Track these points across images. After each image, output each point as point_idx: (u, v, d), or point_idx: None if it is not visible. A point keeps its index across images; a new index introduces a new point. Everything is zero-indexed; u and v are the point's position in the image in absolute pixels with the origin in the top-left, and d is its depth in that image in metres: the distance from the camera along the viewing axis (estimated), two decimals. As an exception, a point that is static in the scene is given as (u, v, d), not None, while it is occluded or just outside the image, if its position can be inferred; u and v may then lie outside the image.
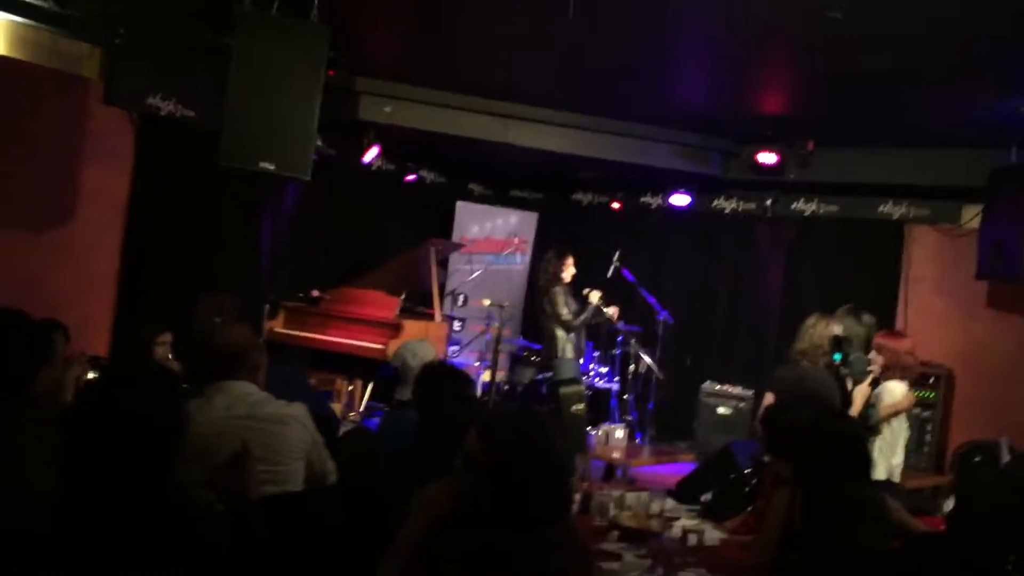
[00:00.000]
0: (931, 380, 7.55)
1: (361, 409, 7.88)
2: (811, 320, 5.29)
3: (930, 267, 8.02)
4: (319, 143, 6.90)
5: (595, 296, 7.54)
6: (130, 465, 1.94)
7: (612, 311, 7.63)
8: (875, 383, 5.17)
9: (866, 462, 3.34)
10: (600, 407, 7.80)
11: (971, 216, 7.63)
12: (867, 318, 5.78)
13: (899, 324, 8.00)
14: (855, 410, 5.07)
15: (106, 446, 1.93)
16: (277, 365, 3.96)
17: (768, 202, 8.65)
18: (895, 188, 7.94)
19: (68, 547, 1.85)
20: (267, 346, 3.55)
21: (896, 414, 5.15)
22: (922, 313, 7.96)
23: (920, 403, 7.41)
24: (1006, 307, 7.50)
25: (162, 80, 6.79)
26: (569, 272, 7.62)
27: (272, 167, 5.33)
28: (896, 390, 5.16)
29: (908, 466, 7.20)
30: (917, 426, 7.42)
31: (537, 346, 8.89)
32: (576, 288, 7.69)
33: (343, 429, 4.96)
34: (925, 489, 6.60)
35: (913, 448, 7.46)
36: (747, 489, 4.92)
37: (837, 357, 5.11)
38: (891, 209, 8.19)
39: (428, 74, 7.33)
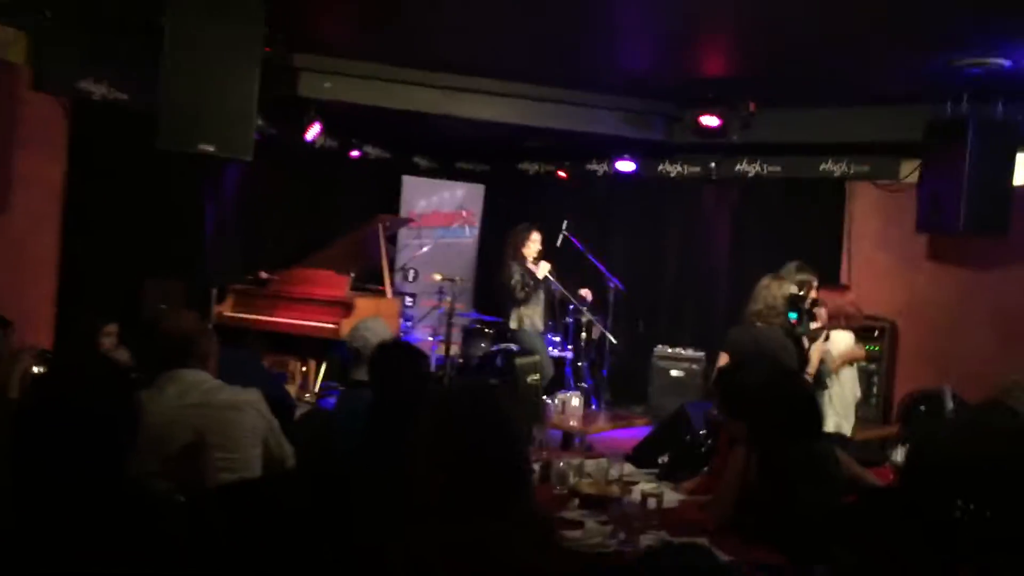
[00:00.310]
0: (876, 333, 7.72)
1: (316, 390, 7.83)
2: (764, 281, 5.37)
3: (872, 222, 8.18)
4: (259, 122, 6.78)
5: (544, 269, 7.57)
6: (83, 459, 1.92)
7: (585, 292, 7.69)
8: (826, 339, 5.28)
9: (818, 420, 3.41)
10: (555, 376, 7.84)
11: (909, 171, 7.78)
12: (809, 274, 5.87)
13: (843, 279, 8.15)
14: (812, 368, 5.17)
15: (57, 441, 1.92)
16: (230, 350, 3.91)
17: (712, 165, 8.73)
18: (835, 146, 8.05)
19: (24, 543, 1.83)
20: (217, 331, 3.51)
21: (849, 363, 5.26)
22: (865, 268, 8.13)
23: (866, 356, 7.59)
24: (946, 259, 7.69)
25: (93, 63, 6.61)
26: (533, 247, 7.62)
27: (212, 148, 5.24)
28: (842, 340, 5.27)
29: (857, 418, 7.39)
30: (864, 379, 7.58)
31: (491, 318, 8.90)
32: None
33: (299, 411, 4.93)
34: (873, 441, 6.76)
35: (862, 400, 7.64)
36: (703, 449, 4.99)
37: (793, 316, 5.19)
38: (832, 167, 8.31)
39: (368, 48, 7.23)
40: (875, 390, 7.69)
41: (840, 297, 5.49)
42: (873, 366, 7.68)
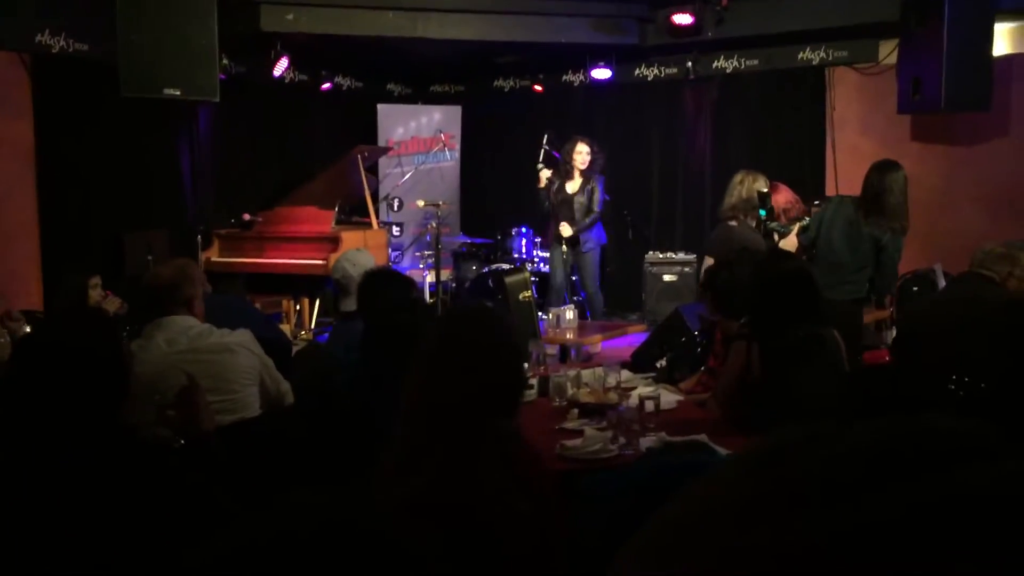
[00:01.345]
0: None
1: (311, 327, 7.85)
2: (738, 177, 5.37)
3: (854, 108, 8.09)
4: (224, 61, 6.66)
5: (543, 176, 7.51)
6: (77, 408, 1.91)
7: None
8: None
9: (815, 298, 3.37)
10: (549, 291, 7.86)
11: (888, 52, 7.67)
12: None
13: (828, 168, 8.12)
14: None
15: (50, 393, 1.91)
16: (219, 295, 3.90)
17: (689, 64, 8.59)
18: (812, 33, 7.91)
19: (21, 502, 1.83)
20: (207, 277, 3.50)
21: None
22: (850, 154, 8.07)
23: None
24: (931, 139, 7.63)
25: (49, 16, 6.43)
26: (580, 158, 7.41)
27: (178, 92, 5.15)
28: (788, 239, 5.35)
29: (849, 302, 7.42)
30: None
31: (479, 240, 8.87)
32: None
33: (296, 349, 4.94)
34: (868, 324, 6.80)
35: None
36: (699, 349, 5.04)
37: (762, 213, 5.21)
38: (810, 54, 8.19)
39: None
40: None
41: (778, 196, 5.54)
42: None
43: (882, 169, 4.96)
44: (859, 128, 8.05)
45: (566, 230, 7.37)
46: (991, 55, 6.68)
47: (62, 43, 6.52)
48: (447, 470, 1.89)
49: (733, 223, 5.27)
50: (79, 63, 6.61)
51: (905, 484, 0.38)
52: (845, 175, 8.00)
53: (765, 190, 5.25)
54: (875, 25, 7.42)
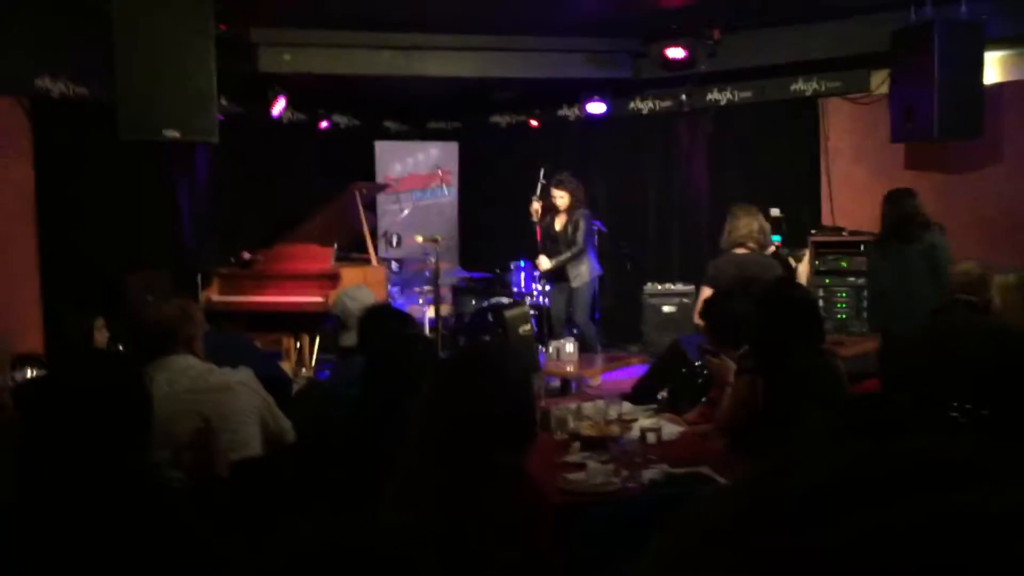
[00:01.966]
0: (861, 247, 7.73)
1: (312, 364, 7.84)
2: (735, 212, 5.40)
3: (847, 137, 8.15)
4: (223, 103, 6.72)
5: (535, 209, 7.62)
6: (101, 452, 1.87)
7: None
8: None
9: (819, 326, 3.38)
10: (548, 325, 7.87)
11: (880, 81, 7.75)
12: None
13: (823, 197, 8.16)
14: (803, 283, 5.28)
15: (76, 435, 1.85)
16: (219, 334, 3.91)
17: (683, 97, 8.67)
18: (804, 64, 7.99)
19: (43, 540, 1.80)
20: (207, 316, 3.50)
21: None
22: (845, 183, 8.12)
23: (855, 271, 7.62)
24: (924, 166, 7.68)
25: (48, 60, 6.50)
26: (560, 201, 7.51)
27: (177, 134, 5.18)
28: None
29: (849, 332, 7.45)
30: (854, 294, 7.63)
31: (478, 275, 8.89)
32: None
33: (297, 386, 4.94)
34: (870, 353, 6.81)
35: (853, 315, 7.69)
36: (699, 380, 5.03)
37: (777, 238, 5.27)
38: (803, 86, 8.27)
39: (324, 15, 7.13)
40: (866, 304, 7.72)
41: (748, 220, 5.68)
42: (862, 280, 7.71)
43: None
44: (853, 157, 8.11)
45: (544, 263, 7.46)
46: (982, 83, 6.75)
47: (62, 87, 6.58)
48: (446, 501, 1.89)
49: (742, 251, 5.30)
50: (79, 106, 6.67)
51: (888, 504, 0.39)
52: (841, 204, 8.05)
53: (778, 215, 5.34)
54: (866, 56, 7.50)
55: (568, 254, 7.44)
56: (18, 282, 6.55)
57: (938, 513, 0.38)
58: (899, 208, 5.41)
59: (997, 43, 6.96)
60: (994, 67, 7.20)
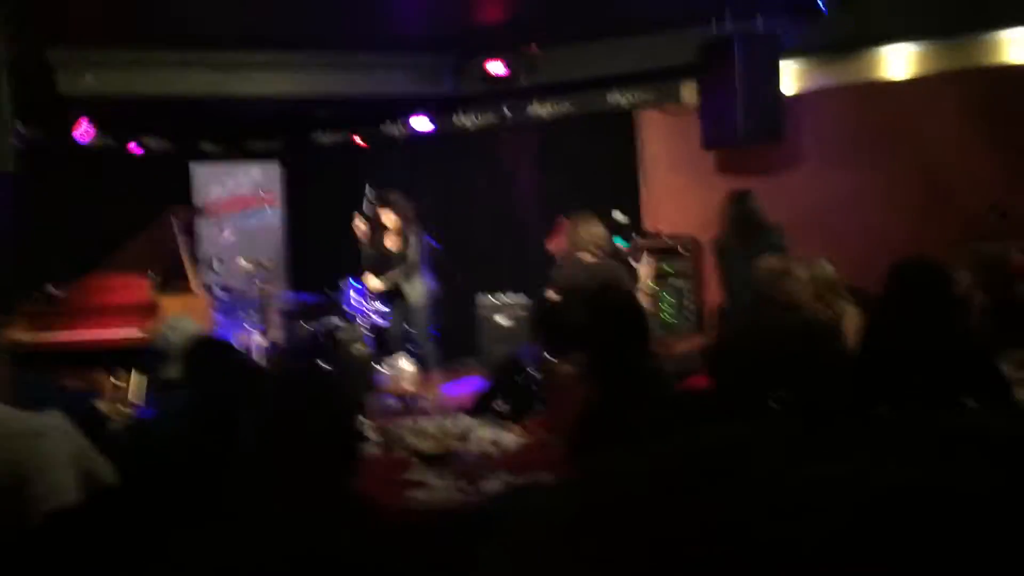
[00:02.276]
0: (680, 250, 8.09)
1: (134, 400, 7.41)
2: (573, 223, 5.53)
3: (663, 147, 8.51)
4: (20, 129, 6.26)
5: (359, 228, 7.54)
6: None
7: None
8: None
9: (646, 327, 3.47)
10: (384, 343, 7.78)
11: (690, 92, 8.13)
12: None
13: (643, 204, 8.47)
14: (643, 283, 5.46)
15: None
16: (23, 375, 3.63)
17: (506, 111, 8.81)
18: (619, 78, 8.28)
19: None
20: (13, 358, 3.25)
21: None
22: (663, 190, 8.47)
23: (676, 273, 7.97)
24: (734, 172, 8.11)
25: None
26: (389, 221, 7.47)
27: (-33, 162, 4.78)
28: None
29: (673, 331, 7.76)
30: (675, 294, 7.97)
31: (307, 298, 8.68)
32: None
33: (117, 424, 4.65)
34: (693, 352, 7.10)
35: (676, 314, 8.02)
36: (535, 388, 5.09)
37: (620, 240, 5.43)
38: (619, 98, 8.57)
39: (126, 33, 6.77)
40: (687, 303, 8.08)
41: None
42: (681, 281, 8.05)
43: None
44: (669, 165, 8.46)
45: (373, 282, 7.42)
46: (780, 92, 7.20)
47: None
48: (285, 532, 1.82)
49: (588, 258, 5.42)
50: None
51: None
52: (660, 210, 8.39)
53: (623, 220, 5.53)
54: (676, 68, 7.85)
55: (398, 273, 7.41)
56: None
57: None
58: (740, 209, 5.83)
59: (793, 53, 7.45)
60: (793, 78, 7.70)
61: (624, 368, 3.34)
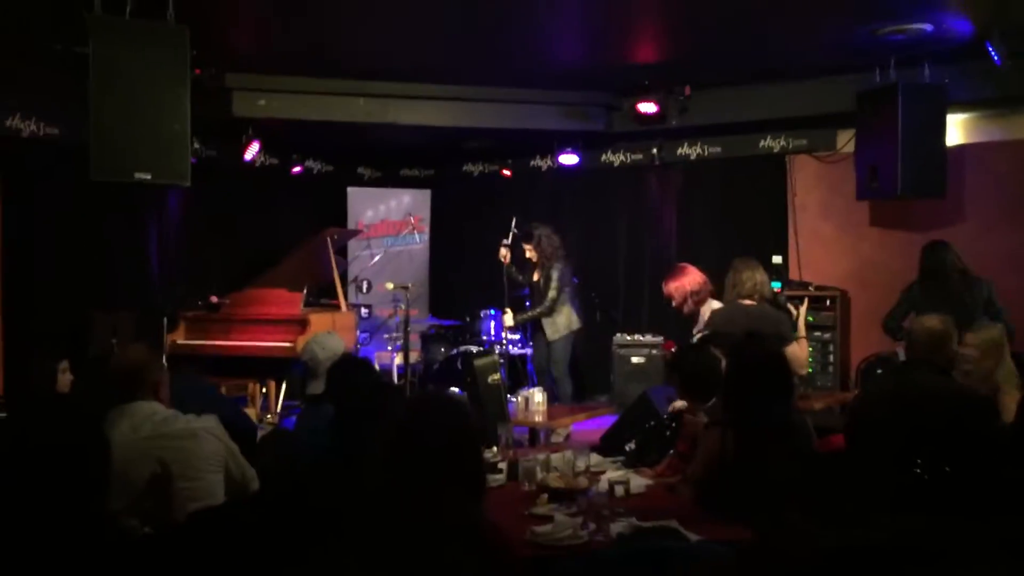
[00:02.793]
0: (827, 302, 7.84)
1: (278, 410, 7.76)
2: (738, 266, 5.47)
3: (814, 194, 8.30)
4: (196, 146, 6.72)
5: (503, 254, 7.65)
6: (61, 501, 1.83)
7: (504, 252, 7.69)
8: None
9: (788, 380, 3.40)
10: (517, 374, 7.86)
11: (846, 140, 7.91)
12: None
13: (791, 253, 8.27)
14: (801, 329, 5.39)
15: (32, 486, 1.82)
16: (182, 378, 3.86)
17: (654, 151, 8.80)
18: (772, 122, 8.16)
19: None
20: (171, 359, 3.47)
21: None
22: (811, 239, 8.24)
23: (819, 326, 7.71)
24: (889, 224, 7.82)
25: (18, 100, 6.49)
26: (530, 254, 7.63)
27: (148, 176, 5.15)
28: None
29: (816, 386, 7.50)
30: (819, 347, 7.71)
31: (448, 322, 8.88)
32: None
33: (261, 432, 4.87)
34: (833, 408, 6.86)
35: (819, 369, 7.76)
36: (667, 433, 5.03)
37: (777, 285, 5.36)
38: (771, 143, 8.43)
39: (299, 62, 7.17)
40: (831, 358, 7.80)
41: (684, 279, 5.81)
42: (827, 335, 7.80)
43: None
44: (820, 213, 8.24)
45: (508, 319, 7.50)
46: (944, 144, 6.91)
47: (32, 127, 6.55)
48: (414, 557, 1.86)
49: (749, 303, 5.36)
50: (49, 146, 6.64)
51: None
52: (808, 259, 8.17)
53: (779, 261, 5.54)
54: (833, 115, 7.66)
55: (535, 311, 7.47)
56: (-21, 322, 6.45)
57: None
58: (935, 259, 6.23)
59: (959, 106, 7.15)
60: (956, 129, 7.38)
61: (763, 420, 3.28)
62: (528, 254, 7.61)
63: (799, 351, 5.29)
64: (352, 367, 3.66)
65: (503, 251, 7.64)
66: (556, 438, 6.11)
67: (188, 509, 2.90)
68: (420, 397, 2.11)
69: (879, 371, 7.24)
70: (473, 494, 2.04)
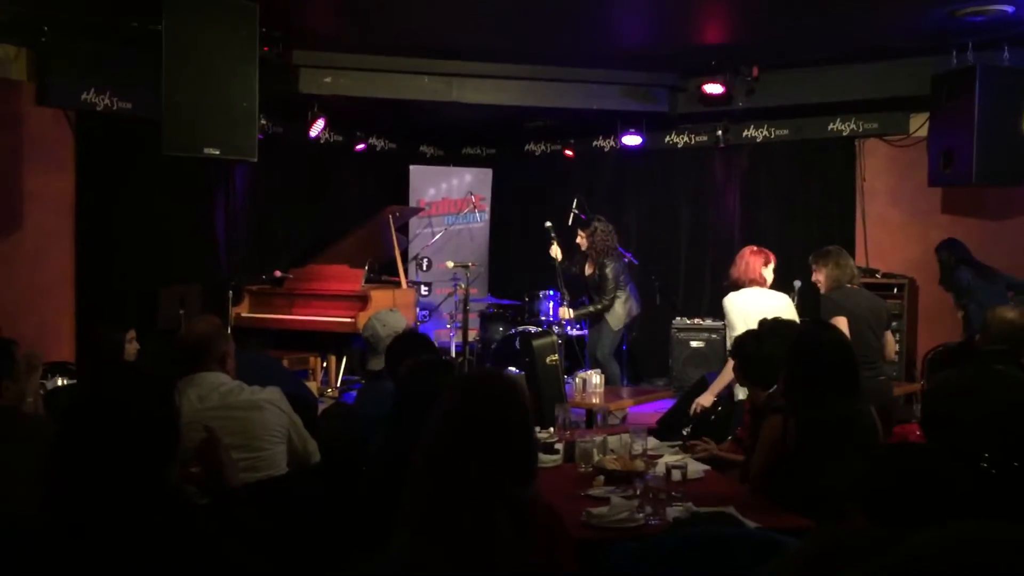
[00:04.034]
0: (895, 290, 7.67)
1: (338, 384, 7.87)
2: (835, 252, 5.43)
3: (884, 179, 8.11)
4: (263, 122, 6.81)
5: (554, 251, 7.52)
6: (130, 468, 1.87)
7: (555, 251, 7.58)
8: None
9: (855, 371, 3.33)
10: (575, 355, 7.85)
11: (919, 124, 7.71)
12: None
13: (858, 238, 8.10)
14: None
15: (101, 452, 1.86)
16: (246, 351, 3.94)
17: (719, 132, 8.68)
18: (842, 105, 7.97)
19: (65, 560, 1.80)
20: (235, 332, 3.54)
21: None
22: (880, 225, 8.06)
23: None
24: (961, 211, 7.61)
25: (94, 75, 6.64)
26: (581, 242, 7.49)
27: (217, 152, 5.26)
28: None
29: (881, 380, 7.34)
30: (885, 337, 7.54)
31: (507, 302, 8.90)
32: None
33: (321, 406, 4.95)
34: (899, 397, 6.72)
35: (883, 358, 7.59)
36: (725, 417, 4.99)
37: None
38: (840, 126, 8.24)
39: (365, 40, 7.22)
40: (898, 347, 7.63)
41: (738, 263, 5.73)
42: (894, 324, 7.62)
43: None
44: (889, 199, 8.05)
45: (565, 313, 7.44)
46: (1022, 130, 6.69)
47: (107, 101, 6.71)
48: (463, 541, 1.87)
49: (852, 287, 5.35)
50: (122, 121, 6.79)
51: None
52: (875, 245, 7.99)
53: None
54: (906, 98, 7.47)
55: (594, 308, 7.36)
56: (52, 292, 6.64)
57: None
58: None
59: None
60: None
61: (823, 410, 3.23)
62: (579, 240, 7.48)
63: (891, 337, 5.43)
64: (410, 344, 3.69)
65: (554, 248, 7.51)
66: (612, 420, 6.09)
67: (251, 479, 2.95)
68: (471, 375, 2.09)
69: (948, 362, 7.06)
70: (522, 473, 2.04)
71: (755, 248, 5.75)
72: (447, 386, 2.15)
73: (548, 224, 7.52)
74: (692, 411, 5.17)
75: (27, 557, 1.82)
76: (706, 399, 5.17)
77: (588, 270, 7.49)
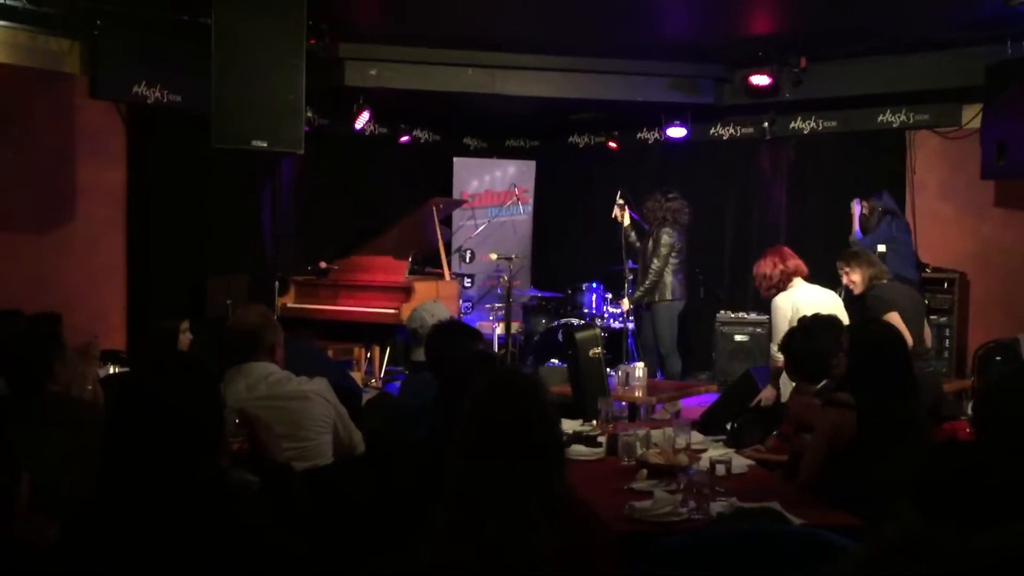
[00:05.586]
0: (944, 285, 7.53)
1: (381, 375, 7.94)
2: (863, 254, 5.43)
3: (935, 172, 7.96)
4: (309, 114, 6.88)
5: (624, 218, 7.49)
6: (178, 458, 1.90)
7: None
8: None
9: (911, 369, 3.32)
10: (617, 348, 7.82)
11: (971, 116, 7.55)
12: None
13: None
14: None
15: (149, 442, 1.90)
16: (293, 341, 3.98)
17: (766, 124, 8.57)
18: (892, 96, 7.84)
19: (116, 546, 1.84)
20: (281, 323, 3.57)
21: None
22: (930, 219, 7.92)
23: (936, 308, 7.41)
24: (1015, 205, 7.45)
25: (146, 68, 6.75)
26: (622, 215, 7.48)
27: (264, 144, 5.32)
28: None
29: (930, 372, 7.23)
30: (936, 332, 7.41)
31: (550, 294, 8.89)
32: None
33: (365, 397, 5.00)
34: (949, 394, 6.61)
35: (934, 354, 7.47)
36: (770, 412, 4.94)
37: None
38: (890, 117, 8.10)
39: (410, 33, 7.25)
40: (948, 343, 7.50)
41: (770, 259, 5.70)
42: (944, 319, 7.50)
43: None
44: (940, 193, 7.90)
45: (625, 304, 7.42)
46: (1080, 121, 6.53)
47: (157, 94, 6.82)
48: (500, 536, 1.88)
49: (884, 281, 5.37)
50: (172, 113, 6.90)
51: None
52: (925, 240, 7.84)
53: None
54: (958, 89, 7.32)
55: (645, 285, 7.35)
56: (104, 282, 6.78)
57: None
58: None
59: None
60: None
61: (879, 407, 3.20)
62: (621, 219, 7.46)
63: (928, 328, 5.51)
64: (448, 336, 3.67)
65: (617, 211, 7.46)
66: (664, 415, 6.06)
67: (297, 468, 2.99)
68: (489, 379, 2.10)
69: (998, 359, 6.93)
70: (548, 463, 2.04)
71: (772, 249, 5.84)
72: (468, 392, 2.16)
73: (620, 192, 7.49)
74: (754, 405, 5.15)
75: (77, 542, 1.87)
76: (768, 393, 5.13)
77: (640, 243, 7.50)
